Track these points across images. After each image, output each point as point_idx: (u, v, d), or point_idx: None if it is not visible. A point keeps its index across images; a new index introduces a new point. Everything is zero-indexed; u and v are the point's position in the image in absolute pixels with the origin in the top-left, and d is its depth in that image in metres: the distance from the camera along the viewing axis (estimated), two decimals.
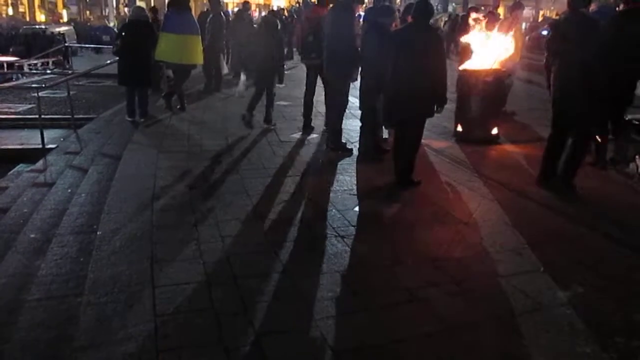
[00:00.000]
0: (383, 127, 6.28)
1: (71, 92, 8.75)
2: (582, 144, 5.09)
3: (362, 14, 8.65)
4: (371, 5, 6.51)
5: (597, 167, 5.91)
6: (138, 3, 39.55)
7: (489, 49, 7.09)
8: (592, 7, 6.29)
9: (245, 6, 13.43)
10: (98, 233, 4.04)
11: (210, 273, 3.46)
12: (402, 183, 5.21)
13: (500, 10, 18.91)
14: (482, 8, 14.29)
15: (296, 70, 14.41)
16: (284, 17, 19.49)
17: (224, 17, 11.14)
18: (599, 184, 5.42)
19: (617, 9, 6.27)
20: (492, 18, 8.62)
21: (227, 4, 33.32)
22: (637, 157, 5.96)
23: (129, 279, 3.36)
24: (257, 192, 4.95)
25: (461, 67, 7.24)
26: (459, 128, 7.00)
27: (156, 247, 3.80)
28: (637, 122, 7.00)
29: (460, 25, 14.23)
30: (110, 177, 5.35)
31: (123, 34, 8.02)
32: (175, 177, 5.32)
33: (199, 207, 4.56)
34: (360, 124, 6.15)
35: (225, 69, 11.94)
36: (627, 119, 7.09)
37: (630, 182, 5.53)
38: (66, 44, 19.31)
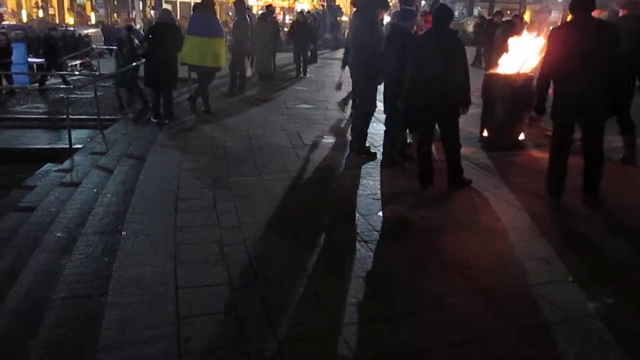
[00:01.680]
0: (407, 131, 6.23)
1: (98, 94, 8.87)
2: (597, 143, 4.82)
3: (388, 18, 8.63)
4: (395, 10, 6.47)
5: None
6: (164, 6, 40.11)
7: (517, 52, 6.99)
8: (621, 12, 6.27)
9: (269, 9, 13.52)
10: (123, 233, 4.07)
11: (233, 276, 3.45)
12: (455, 184, 5.20)
13: (527, 15, 18.68)
14: (508, 12, 14.14)
15: (319, 74, 14.44)
16: (309, 20, 19.50)
17: (249, 20, 11.20)
18: (627, 190, 5.29)
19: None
20: (517, 22, 8.53)
21: (251, 7, 33.56)
22: None
23: (153, 280, 3.38)
24: (280, 195, 4.95)
25: (488, 72, 7.16)
26: (485, 133, 6.90)
27: (179, 249, 3.81)
28: None
29: (486, 29, 14.14)
30: (135, 178, 5.40)
31: (150, 36, 8.11)
32: (199, 179, 5.35)
33: (222, 209, 4.57)
34: (384, 128, 6.11)
35: (249, 72, 12.01)
36: None
37: None
38: (93, 46, 19.61)
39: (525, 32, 7.48)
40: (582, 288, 3.42)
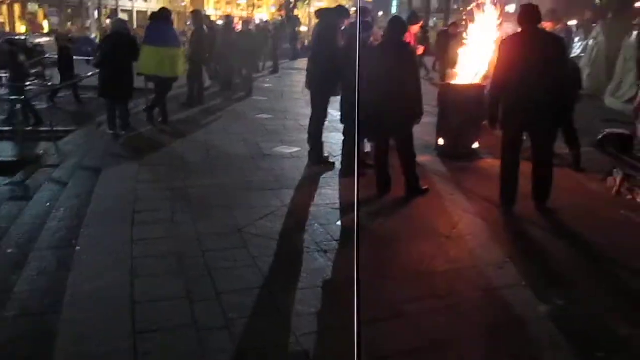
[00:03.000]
0: (366, 140, 6.30)
1: (51, 104, 8.64)
2: (546, 151, 4.99)
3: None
4: (353, 21, 6.57)
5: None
6: (120, 15, 39.44)
7: (470, 63, 7.19)
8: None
9: (228, 19, 13.59)
10: (77, 248, 3.97)
11: (192, 288, 3.41)
12: (412, 193, 5.30)
13: None
14: (464, 23, 14.48)
15: (278, 83, 14.48)
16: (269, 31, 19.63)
17: (206, 29, 11.14)
18: (576, 197, 5.49)
19: None
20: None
21: (210, 17, 33.32)
22: (614, 170, 6.07)
23: (109, 295, 3.30)
24: (239, 206, 4.92)
25: (443, 82, 7.32)
26: (441, 142, 7.05)
27: (136, 262, 3.74)
28: (614, 135, 7.23)
29: (440, 40, 14.44)
30: (90, 191, 5.28)
31: (103, 46, 7.97)
32: (156, 190, 5.26)
33: (180, 221, 4.51)
34: (342, 137, 6.16)
35: (207, 82, 11.94)
36: (604, 132, 7.34)
37: (608, 195, 5.61)
38: (46, 55, 19.07)
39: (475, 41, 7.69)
40: (534, 291, 3.53)
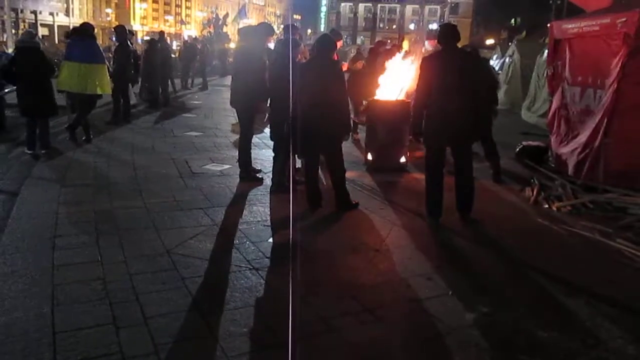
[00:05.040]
0: (296, 156, 6.32)
1: None
2: (466, 164, 5.18)
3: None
4: (281, 37, 6.62)
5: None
6: (40, 30, 37.77)
7: (396, 79, 7.39)
8: None
9: (161, 36, 13.62)
10: None
11: (118, 314, 3.27)
12: (342, 208, 5.34)
13: (405, 44, 19.82)
14: (389, 41, 14.92)
15: (207, 100, 14.32)
16: (198, 46, 19.49)
17: (131, 46, 10.87)
18: (497, 207, 5.74)
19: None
20: (394, 51, 9.06)
21: (135, 32, 32.58)
22: (532, 180, 6.41)
23: (27, 326, 3.11)
24: (167, 226, 4.79)
25: (370, 98, 7.48)
26: (369, 157, 7.19)
27: (58, 289, 3.55)
28: (530, 148, 7.68)
29: (367, 58, 14.79)
30: (6, 215, 4.98)
31: (13, 60, 7.59)
32: (79, 213, 5.03)
33: (105, 244, 4.33)
34: (272, 153, 6.16)
35: (133, 99, 11.65)
36: (521, 145, 7.78)
37: (526, 205, 5.91)
38: None
39: (401, 60, 7.94)
40: (461, 300, 3.64)
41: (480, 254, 4.49)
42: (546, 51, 12.46)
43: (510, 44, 17.81)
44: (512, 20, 48.71)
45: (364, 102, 8.00)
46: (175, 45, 35.99)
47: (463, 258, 4.42)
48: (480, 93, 5.16)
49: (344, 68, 7.87)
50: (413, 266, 4.18)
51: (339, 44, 8.05)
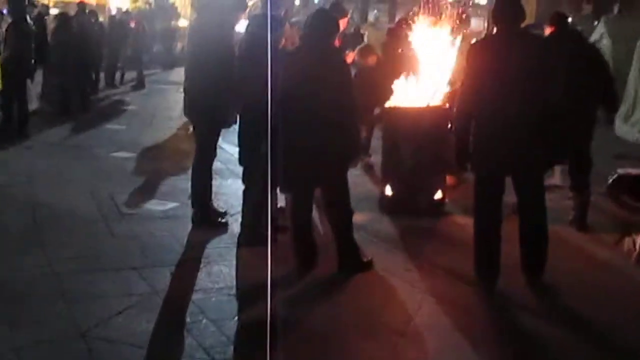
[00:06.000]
0: (278, 190, 6.33)
1: None
2: (536, 202, 5.19)
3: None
4: (256, 13, 6.66)
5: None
6: None
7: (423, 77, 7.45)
8: None
9: (80, 9, 13.83)
10: None
11: None
12: (349, 268, 5.32)
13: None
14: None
15: (145, 104, 14.39)
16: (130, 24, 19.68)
17: (31, 23, 10.93)
18: (582, 267, 5.72)
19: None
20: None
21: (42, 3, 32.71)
22: (632, 228, 6.39)
23: None
24: (82, 295, 4.78)
25: (387, 105, 7.52)
26: (388, 191, 7.18)
27: None
28: (630, 178, 7.65)
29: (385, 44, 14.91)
30: None
31: None
32: None
33: None
34: (242, 186, 6.16)
35: (34, 102, 11.66)
36: (616, 174, 7.77)
37: (626, 264, 5.89)
38: None
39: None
40: None
41: (554, 340, 4.46)
42: None
43: (596, 23, 17.99)
44: None
45: (376, 110, 8.05)
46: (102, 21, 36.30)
47: (530, 347, 4.39)
48: (556, 94, 5.19)
49: (349, 60, 7.97)
50: (455, 358, 4.14)
51: (343, 23, 8.12)
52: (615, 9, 15.69)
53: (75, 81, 13.07)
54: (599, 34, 15.93)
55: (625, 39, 14.22)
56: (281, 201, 6.33)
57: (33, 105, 11.28)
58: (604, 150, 10.40)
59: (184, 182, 7.47)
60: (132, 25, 19.59)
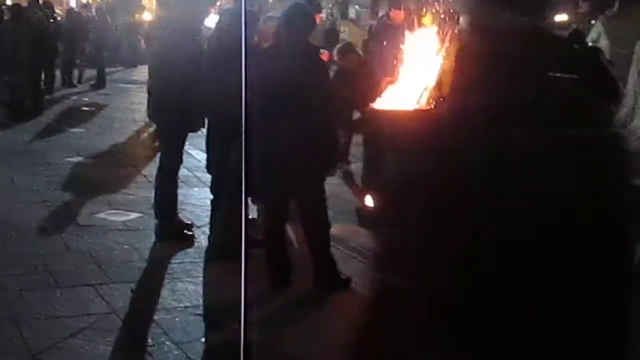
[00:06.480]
0: (251, 201, 6.34)
1: None
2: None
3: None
4: (228, 7, 6.67)
5: None
6: None
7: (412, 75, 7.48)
8: None
9: (34, 1, 13.86)
10: None
11: None
12: (325, 285, 5.33)
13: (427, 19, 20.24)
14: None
15: (106, 106, 14.36)
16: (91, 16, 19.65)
17: None
18: None
19: None
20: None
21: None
22: None
23: None
24: (35, 316, 4.75)
25: (370, 106, 7.54)
26: (369, 202, 7.20)
27: None
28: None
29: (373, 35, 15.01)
30: None
31: None
32: None
33: None
34: (211, 195, 6.16)
35: None
36: None
37: None
38: None
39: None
40: None
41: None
42: None
43: (592, 22, 18.15)
44: None
45: (355, 114, 8.08)
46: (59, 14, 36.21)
47: None
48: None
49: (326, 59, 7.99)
50: None
51: (318, 18, 8.17)
52: (615, 8, 15.84)
53: (28, 80, 13.03)
54: (596, 34, 16.02)
55: (625, 40, 14.32)
56: (252, 212, 6.34)
57: None
58: None
59: (147, 191, 7.46)
60: (93, 18, 19.57)
